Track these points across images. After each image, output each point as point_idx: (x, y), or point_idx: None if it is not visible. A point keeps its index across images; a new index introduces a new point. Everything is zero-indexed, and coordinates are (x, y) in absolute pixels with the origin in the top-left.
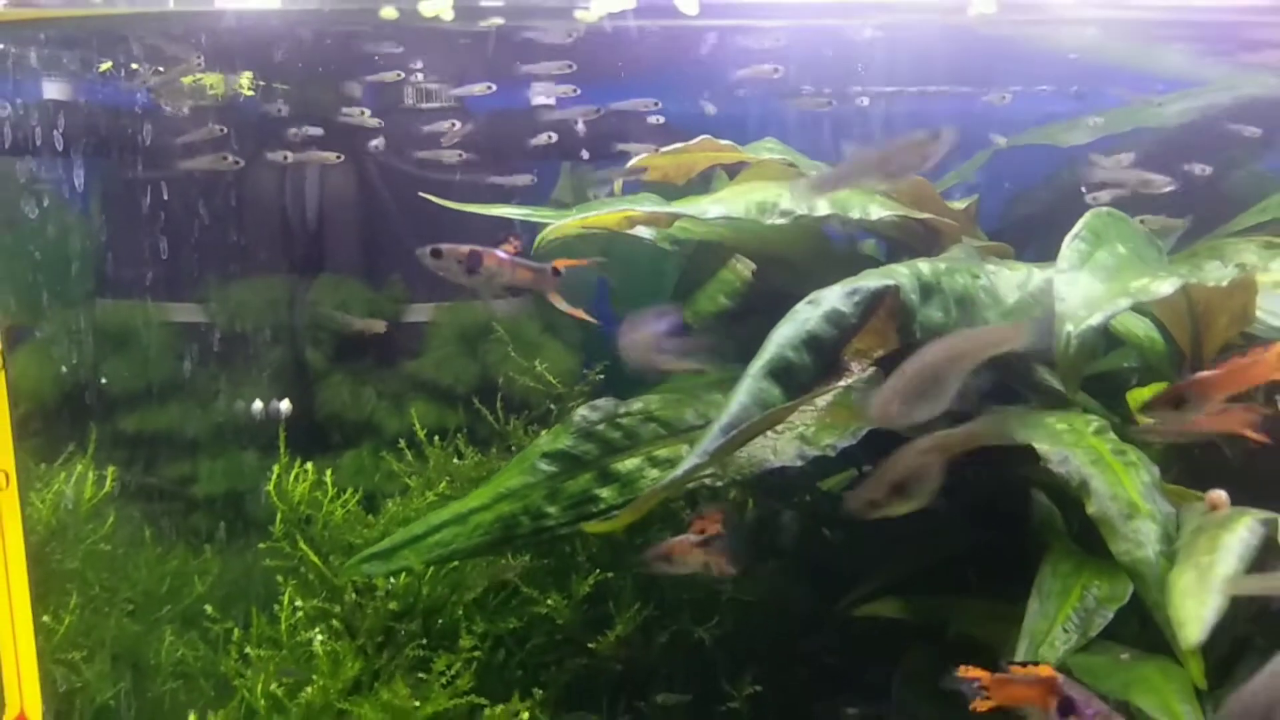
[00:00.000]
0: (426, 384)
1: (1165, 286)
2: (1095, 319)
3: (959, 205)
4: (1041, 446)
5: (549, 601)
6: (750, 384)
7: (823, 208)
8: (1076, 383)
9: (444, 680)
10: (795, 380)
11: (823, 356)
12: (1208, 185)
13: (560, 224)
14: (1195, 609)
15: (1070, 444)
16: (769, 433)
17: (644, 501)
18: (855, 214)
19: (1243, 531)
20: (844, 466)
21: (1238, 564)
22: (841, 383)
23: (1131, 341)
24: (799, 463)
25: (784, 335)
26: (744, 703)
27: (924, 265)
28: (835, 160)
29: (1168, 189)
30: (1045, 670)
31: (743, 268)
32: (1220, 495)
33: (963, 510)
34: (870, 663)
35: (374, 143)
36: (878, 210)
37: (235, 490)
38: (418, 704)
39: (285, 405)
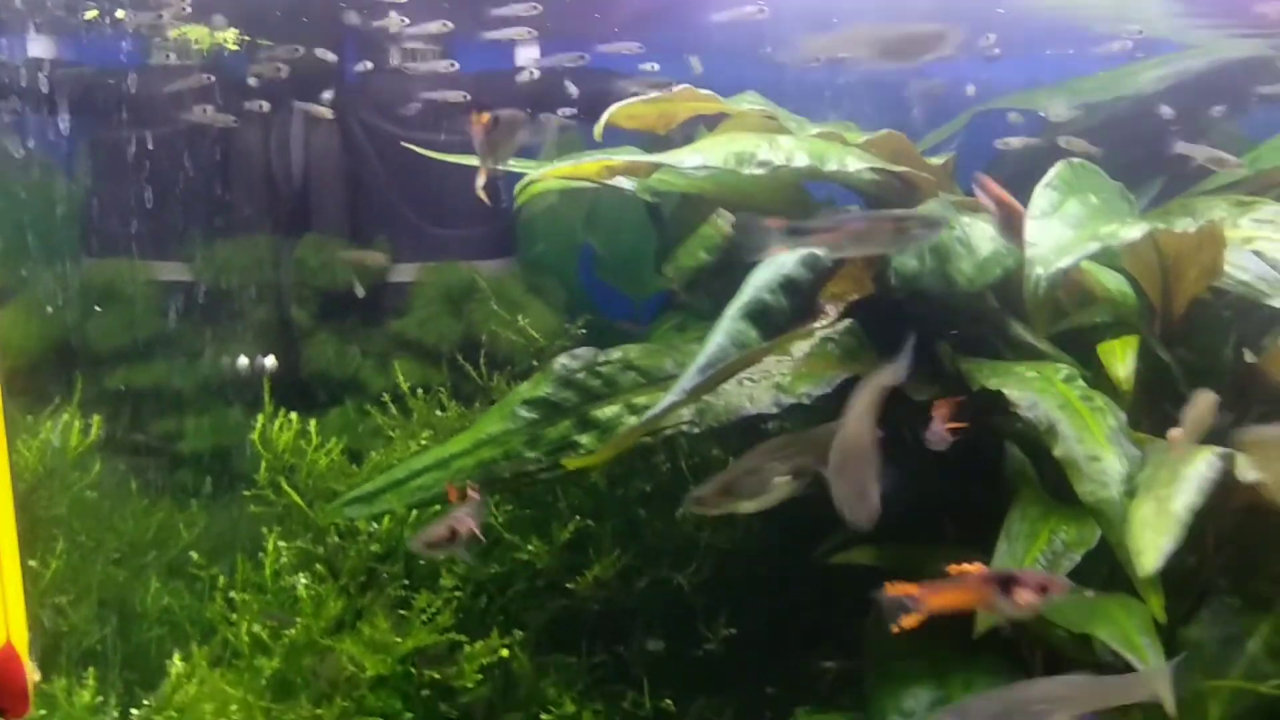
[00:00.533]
0: (411, 342)
1: (1134, 232)
2: (1064, 261)
3: (936, 161)
4: (1011, 393)
5: (529, 548)
6: (728, 325)
7: (800, 159)
8: (1044, 325)
9: (425, 617)
10: (771, 322)
11: (798, 299)
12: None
13: (537, 174)
14: (1153, 539)
15: (1039, 390)
16: (746, 381)
17: (622, 439)
18: (832, 165)
19: (1201, 465)
20: (822, 418)
21: (1196, 496)
22: (817, 324)
23: (1103, 296)
24: (774, 409)
25: (761, 279)
26: (719, 645)
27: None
28: (819, 116)
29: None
30: (971, 565)
31: (723, 223)
32: (1180, 432)
33: (938, 460)
34: (849, 615)
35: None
36: (854, 163)
37: (222, 446)
38: (399, 639)
39: (271, 361)
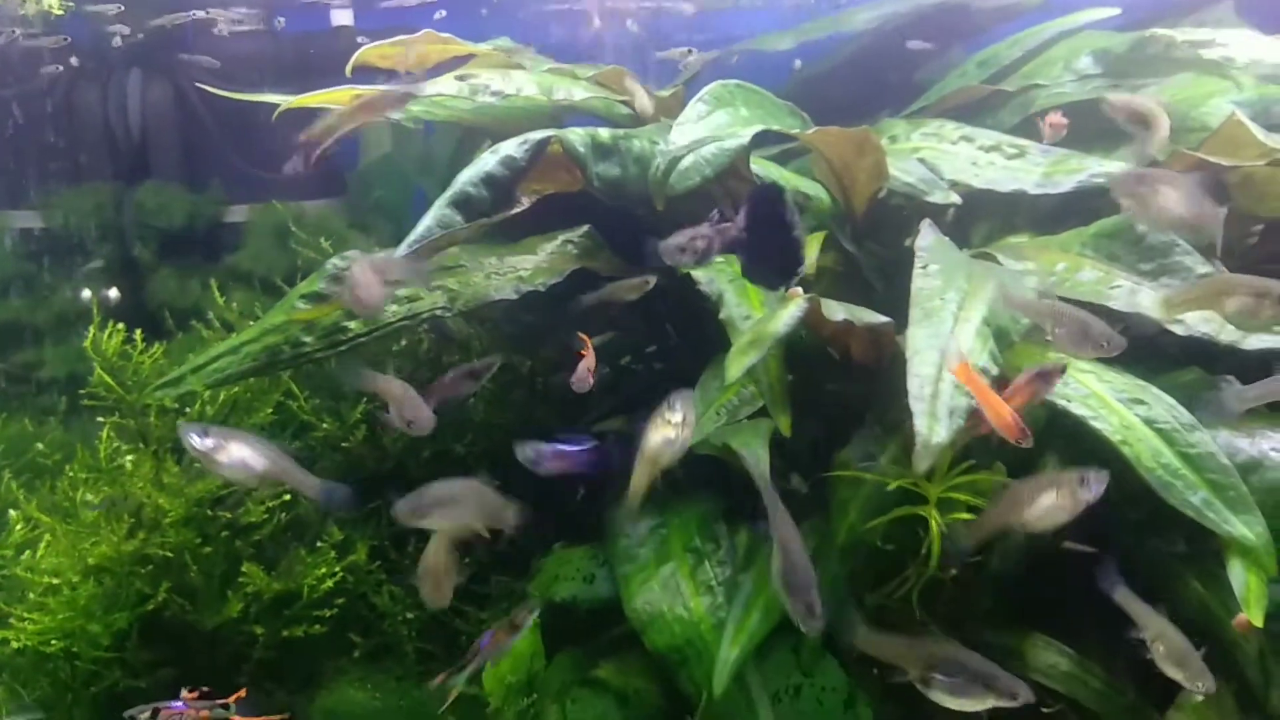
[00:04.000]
0: (244, 274)
1: (745, 135)
2: (679, 150)
3: (665, 93)
4: (697, 274)
5: (324, 426)
6: (436, 210)
7: (530, 89)
8: (663, 201)
9: None
10: (474, 209)
11: (497, 191)
12: (899, 85)
13: (293, 101)
14: (740, 358)
15: (717, 272)
16: (492, 274)
17: (384, 323)
18: (560, 95)
19: (793, 307)
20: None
21: (784, 327)
22: (514, 210)
23: (810, 204)
24: (514, 296)
25: (466, 175)
26: None
27: (604, 131)
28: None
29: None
30: None
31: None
32: (799, 290)
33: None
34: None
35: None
36: (580, 92)
37: (75, 371)
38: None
39: (114, 293)
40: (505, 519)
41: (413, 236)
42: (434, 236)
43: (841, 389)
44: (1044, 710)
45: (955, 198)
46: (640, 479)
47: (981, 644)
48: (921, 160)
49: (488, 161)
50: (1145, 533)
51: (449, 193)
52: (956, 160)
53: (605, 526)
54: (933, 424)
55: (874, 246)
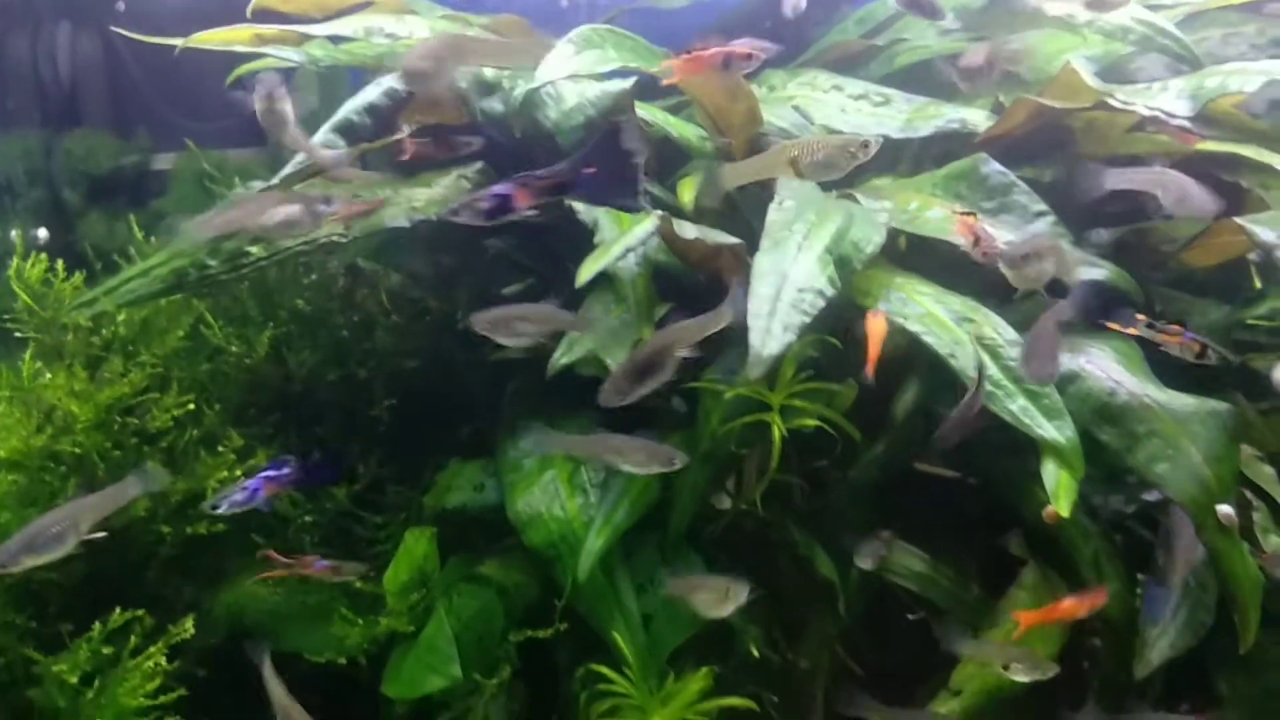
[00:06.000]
0: (169, 217)
1: (604, 66)
2: (536, 83)
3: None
4: (575, 205)
5: (234, 349)
6: (320, 135)
7: (422, 32)
8: (520, 130)
9: (126, 383)
10: (357, 135)
11: (379, 120)
12: (794, 42)
13: (190, 40)
14: (590, 265)
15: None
16: (388, 205)
17: (285, 247)
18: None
19: (648, 222)
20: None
21: (634, 239)
22: (397, 136)
23: (692, 148)
24: (407, 224)
25: (351, 104)
26: (389, 417)
27: (489, 70)
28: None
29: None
30: None
31: None
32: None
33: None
34: (496, 393)
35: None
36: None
37: (8, 306)
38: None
39: (44, 233)
40: (576, 324)
41: (299, 158)
42: (322, 158)
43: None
44: (909, 617)
45: None
46: None
47: (842, 547)
48: (795, 107)
49: (371, 92)
50: (1002, 454)
51: (333, 119)
52: (827, 107)
53: (497, 443)
54: (766, 338)
55: (754, 189)
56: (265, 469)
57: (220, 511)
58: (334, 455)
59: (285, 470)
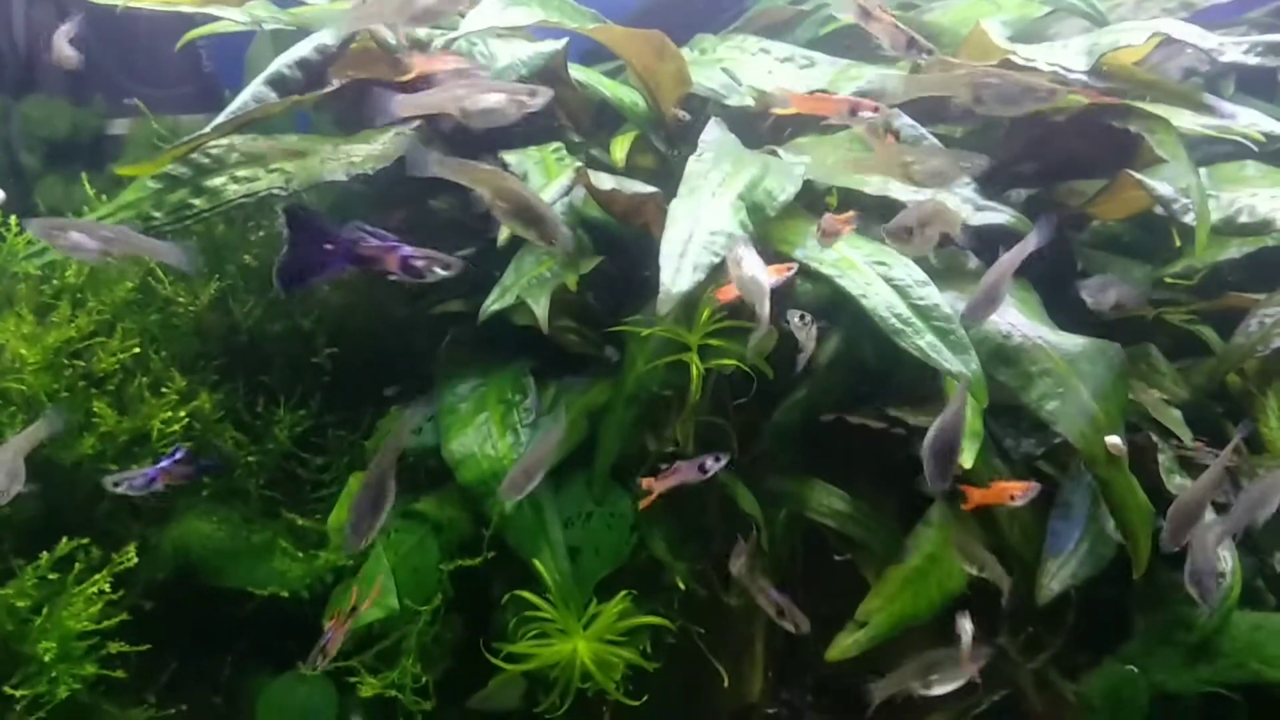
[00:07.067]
0: (125, 180)
1: (522, 18)
2: (466, 30)
3: None
4: (508, 159)
5: (180, 299)
6: (253, 88)
7: None
8: None
9: (72, 327)
10: (287, 88)
11: (310, 73)
12: (732, 8)
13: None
14: None
15: (529, 157)
16: (327, 159)
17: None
18: None
19: (566, 175)
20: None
21: (557, 193)
22: (325, 89)
23: (625, 109)
24: (344, 177)
25: (282, 58)
26: (333, 367)
27: (422, 32)
28: None
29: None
30: None
31: None
32: (578, 165)
33: None
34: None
35: None
36: None
37: None
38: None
39: (1, 195)
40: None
41: (232, 108)
42: (249, 110)
43: (638, 263)
44: (835, 558)
45: (750, 101)
46: None
47: (765, 488)
48: (724, 70)
49: (303, 47)
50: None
51: (265, 72)
52: (754, 69)
53: (435, 389)
54: (676, 277)
55: (687, 150)
56: (161, 461)
57: (119, 490)
58: (223, 456)
59: (179, 463)
